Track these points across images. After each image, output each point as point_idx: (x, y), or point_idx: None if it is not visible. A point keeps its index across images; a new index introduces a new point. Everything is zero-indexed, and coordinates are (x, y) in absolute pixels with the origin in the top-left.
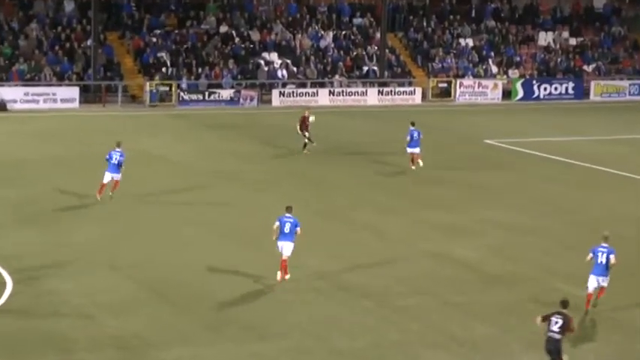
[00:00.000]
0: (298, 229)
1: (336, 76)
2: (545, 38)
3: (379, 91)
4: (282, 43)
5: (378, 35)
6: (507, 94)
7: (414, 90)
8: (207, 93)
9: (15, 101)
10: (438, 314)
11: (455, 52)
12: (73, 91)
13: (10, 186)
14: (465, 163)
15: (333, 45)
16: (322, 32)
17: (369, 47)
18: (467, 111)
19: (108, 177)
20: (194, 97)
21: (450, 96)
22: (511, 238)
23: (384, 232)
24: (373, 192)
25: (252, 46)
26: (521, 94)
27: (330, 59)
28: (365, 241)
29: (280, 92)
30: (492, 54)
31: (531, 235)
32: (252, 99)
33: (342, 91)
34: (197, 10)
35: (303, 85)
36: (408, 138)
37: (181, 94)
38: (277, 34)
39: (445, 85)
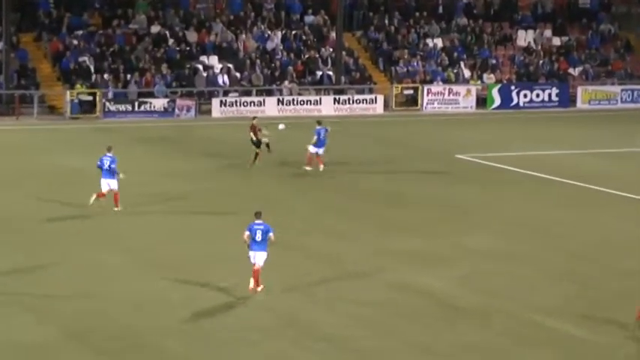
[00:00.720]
0: (271, 234)
1: (286, 83)
2: (524, 38)
3: (335, 99)
4: (223, 44)
5: (334, 35)
6: (482, 101)
7: (375, 98)
8: (137, 103)
9: None
10: (400, 357)
11: (422, 54)
12: None
13: None
14: (433, 182)
15: (281, 47)
16: (269, 32)
17: (323, 49)
18: (436, 121)
19: (105, 185)
20: (122, 107)
21: (416, 105)
22: (484, 266)
23: (340, 260)
24: (328, 214)
25: (188, 48)
26: (497, 101)
27: (278, 63)
28: (319, 271)
29: (221, 101)
30: (465, 56)
31: (507, 262)
32: (188, 109)
33: (293, 100)
34: (125, 8)
35: (248, 93)
36: (315, 138)
37: (107, 104)
38: (217, 35)
39: (411, 92)
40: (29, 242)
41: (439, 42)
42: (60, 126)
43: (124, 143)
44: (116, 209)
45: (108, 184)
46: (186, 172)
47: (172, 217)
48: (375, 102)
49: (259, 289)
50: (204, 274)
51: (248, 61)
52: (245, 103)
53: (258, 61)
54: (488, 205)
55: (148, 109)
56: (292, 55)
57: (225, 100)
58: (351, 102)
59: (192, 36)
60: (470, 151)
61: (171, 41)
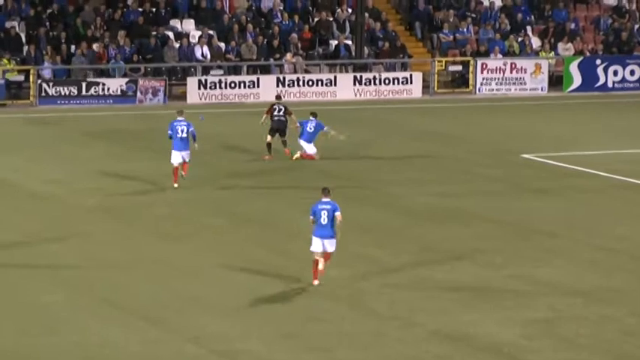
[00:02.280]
0: (338, 214)
1: (288, 56)
2: None
3: (356, 78)
4: (202, 3)
5: None
6: (557, 81)
7: (411, 77)
8: (84, 85)
9: None
10: None
11: (474, 16)
12: None
13: None
14: (491, 191)
15: (281, 6)
16: None
17: (338, 10)
18: (494, 109)
19: (177, 157)
20: (64, 90)
21: (466, 85)
22: (567, 308)
23: (364, 300)
24: (355, 234)
25: (154, 9)
26: (578, 81)
27: (277, 29)
28: (337, 316)
29: (200, 82)
30: (532, 19)
31: (599, 302)
32: (155, 93)
33: (298, 79)
34: None
35: (237, 71)
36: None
37: (44, 85)
38: None
39: (459, 68)
40: None
41: None
42: None
43: (65, 139)
44: (183, 174)
45: (182, 157)
46: (151, 177)
47: (126, 241)
48: (411, 82)
49: (316, 282)
50: (166, 321)
51: (236, 27)
52: (232, 84)
53: (249, 27)
54: (569, 223)
55: (100, 92)
56: (296, 19)
57: (206, 81)
58: (377, 82)
59: None
60: (541, 149)
61: (130, 0)
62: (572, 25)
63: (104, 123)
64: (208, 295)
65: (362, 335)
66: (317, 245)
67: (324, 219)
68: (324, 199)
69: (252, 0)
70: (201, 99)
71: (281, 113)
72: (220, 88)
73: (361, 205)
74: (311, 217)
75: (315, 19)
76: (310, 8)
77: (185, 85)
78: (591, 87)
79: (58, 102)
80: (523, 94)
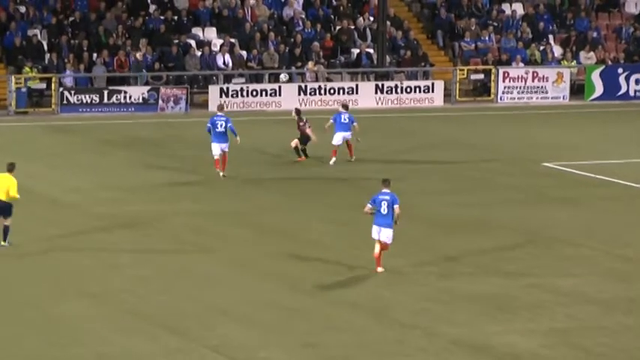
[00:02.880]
0: (397, 206)
1: (310, 64)
2: (636, 2)
3: (377, 87)
4: (224, 12)
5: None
6: (578, 90)
7: (433, 85)
8: (105, 93)
9: None
10: None
11: (496, 24)
12: None
13: None
14: (513, 200)
15: (303, 15)
16: None
17: (360, 18)
18: (515, 117)
19: (217, 149)
20: (85, 98)
21: (488, 94)
22: (588, 318)
23: (386, 309)
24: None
25: (176, 17)
26: (600, 90)
27: (299, 37)
28: (358, 325)
29: (222, 90)
30: (554, 27)
31: (621, 312)
32: (177, 101)
33: (320, 88)
34: None
35: (258, 79)
36: (331, 121)
37: (66, 94)
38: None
39: (481, 76)
40: None
41: (519, 8)
42: (1, 123)
43: (87, 147)
44: (222, 174)
45: (221, 148)
46: (172, 186)
47: (147, 251)
48: (433, 90)
49: (380, 269)
50: (191, 329)
51: (258, 35)
52: (254, 93)
53: (271, 35)
54: (589, 232)
55: (121, 100)
56: (318, 27)
57: (227, 89)
58: (399, 90)
59: (181, 0)
60: (562, 158)
61: (152, 7)
62: (594, 34)
63: (125, 131)
64: (229, 304)
65: (383, 344)
66: (375, 233)
67: (383, 209)
68: (385, 190)
69: (274, 8)
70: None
71: (302, 124)
72: (242, 96)
73: None
74: (369, 206)
75: (337, 28)
76: (332, 17)
77: (207, 93)
78: (613, 96)
79: (80, 110)
80: (545, 102)
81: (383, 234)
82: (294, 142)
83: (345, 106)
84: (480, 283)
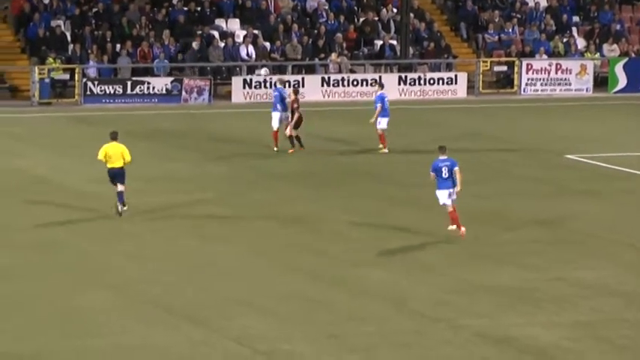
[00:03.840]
0: (457, 169)
1: (333, 56)
2: None
3: (401, 78)
4: (247, 3)
5: None
6: (602, 82)
7: (456, 77)
8: (129, 83)
9: None
10: None
11: (519, 16)
12: None
13: None
14: (535, 192)
15: (327, 6)
16: None
17: (383, 10)
18: (538, 109)
19: (276, 121)
20: (109, 89)
21: (511, 86)
22: (610, 311)
23: (407, 300)
24: (395, 238)
25: (199, 9)
26: (623, 82)
27: (322, 29)
28: (380, 316)
29: (245, 81)
30: (578, 20)
31: None
32: (200, 92)
33: (343, 79)
34: None
35: (282, 70)
36: (379, 106)
37: (89, 84)
38: None
39: (504, 68)
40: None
41: (542, 0)
42: (25, 114)
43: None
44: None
45: (281, 118)
46: (195, 177)
47: (169, 241)
48: (456, 82)
49: (463, 229)
50: (213, 320)
51: (281, 27)
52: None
53: (294, 27)
54: (613, 225)
55: (144, 91)
56: (342, 19)
57: (251, 80)
58: (422, 82)
59: None
60: (585, 150)
61: None
62: (618, 26)
63: (149, 122)
64: (251, 295)
65: (405, 336)
66: (444, 197)
67: (445, 173)
68: (442, 157)
69: (298, 0)
70: (246, 98)
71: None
72: (265, 87)
73: (404, 206)
74: (432, 174)
75: (361, 19)
76: (355, 8)
77: (230, 84)
78: (636, 88)
79: (103, 101)
80: (568, 94)
81: (452, 195)
82: (290, 130)
83: (382, 85)
84: (502, 275)
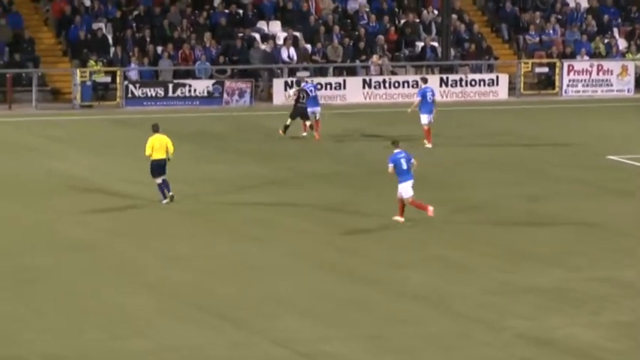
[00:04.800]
0: (414, 160)
1: (374, 58)
2: None
3: (442, 80)
4: (288, 5)
5: None
6: None
7: (497, 78)
8: (170, 86)
9: None
10: None
11: (560, 17)
12: None
13: None
14: (577, 193)
15: (368, 8)
16: None
17: (424, 11)
18: (580, 110)
19: (310, 115)
20: (150, 92)
21: (552, 87)
22: None
23: (448, 301)
24: (434, 238)
25: (240, 11)
26: None
27: (363, 31)
28: (420, 318)
29: (287, 83)
30: (619, 20)
31: None
32: (241, 94)
33: (384, 81)
34: None
35: (323, 73)
36: (418, 99)
37: (130, 87)
38: None
39: (545, 69)
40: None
41: (583, 0)
42: (66, 117)
43: None
44: (311, 134)
45: (314, 113)
46: (235, 179)
47: (210, 243)
48: (497, 83)
49: (430, 208)
50: (254, 322)
51: (322, 29)
52: (319, 86)
53: (335, 28)
54: None
55: (186, 94)
56: (383, 20)
57: (292, 82)
58: (463, 84)
59: None
60: (627, 151)
61: (217, 1)
62: None
63: (190, 124)
64: (292, 297)
65: (447, 337)
66: (408, 188)
67: (404, 165)
68: (397, 150)
69: (339, 2)
70: (287, 101)
71: (303, 100)
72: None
73: (444, 207)
74: (390, 166)
75: (402, 21)
76: (396, 10)
77: (271, 86)
78: None
79: (145, 103)
80: (609, 95)
81: (408, 188)
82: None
83: (425, 79)
84: (543, 276)
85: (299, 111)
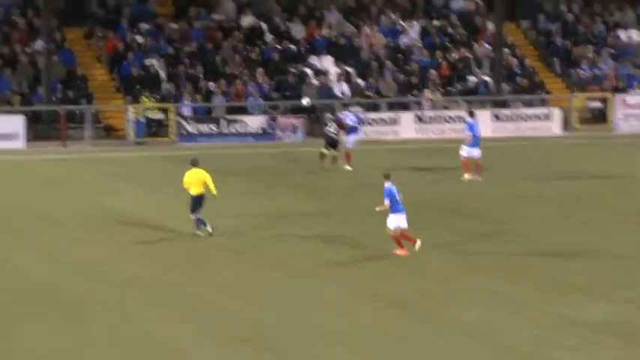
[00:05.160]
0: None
1: (427, 93)
2: None
3: (495, 115)
4: (340, 41)
5: (491, 27)
6: None
7: (550, 112)
8: (224, 122)
9: None
10: None
11: (612, 51)
12: (16, 122)
13: None
14: (626, 225)
15: (420, 43)
16: (402, 23)
17: (476, 46)
18: (632, 144)
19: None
20: (204, 128)
21: (606, 121)
22: None
23: (494, 333)
24: (484, 272)
25: (293, 47)
26: None
27: (416, 66)
28: (468, 351)
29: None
30: None
31: None
32: (294, 130)
33: (437, 116)
34: None
35: (375, 108)
36: (468, 134)
37: (184, 123)
38: (332, 28)
39: (598, 104)
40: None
41: (635, 34)
42: (120, 153)
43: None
44: (346, 167)
45: (349, 144)
46: (284, 214)
47: (258, 276)
48: (550, 118)
49: (418, 243)
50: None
51: (374, 64)
52: (371, 121)
53: (388, 63)
54: None
55: (239, 130)
56: (435, 55)
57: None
58: (516, 118)
59: (297, 30)
60: None
61: (269, 37)
62: None
63: (243, 160)
64: (335, 327)
65: None
66: (402, 220)
67: (398, 197)
68: (389, 182)
69: (390, 37)
70: (338, 135)
71: (332, 129)
72: (359, 124)
73: (493, 240)
74: (388, 200)
75: (454, 56)
76: (448, 45)
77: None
78: None
79: (198, 139)
80: None
81: (403, 220)
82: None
83: (472, 113)
84: (592, 308)
85: (328, 139)
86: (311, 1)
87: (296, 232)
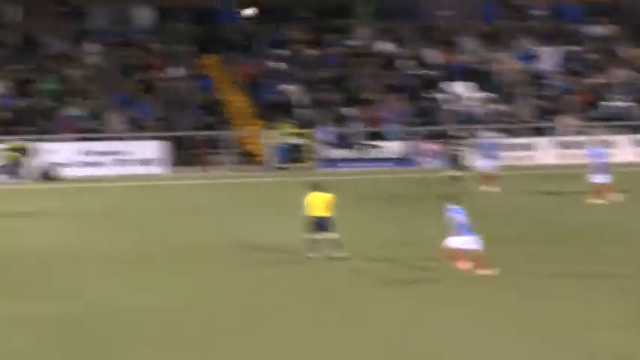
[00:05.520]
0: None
1: (564, 118)
2: None
3: (636, 140)
4: (477, 66)
5: (629, 52)
6: None
7: None
8: (365, 148)
9: (67, 165)
10: None
11: None
12: (156, 148)
13: (30, 298)
14: None
15: (557, 68)
16: (538, 48)
17: (614, 70)
18: None
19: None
20: (345, 154)
21: None
22: None
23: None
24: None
25: (430, 72)
26: None
27: (553, 90)
28: None
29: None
30: None
31: None
32: (434, 155)
33: (575, 142)
34: (342, 18)
35: (511, 133)
36: (591, 161)
37: (322, 149)
38: (468, 54)
39: None
40: None
41: None
42: (261, 179)
43: (346, 202)
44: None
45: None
46: (423, 241)
47: (388, 302)
48: None
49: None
50: None
51: (511, 89)
52: (508, 147)
53: (525, 89)
54: None
55: (379, 155)
56: (572, 80)
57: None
58: None
59: (433, 55)
60: None
61: (404, 63)
62: None
63: (382, 186)
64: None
65: None
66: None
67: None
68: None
69: (526, 62)
70: (476, 162)
71: (462, 152)
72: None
73: (623, 266)
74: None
75: (591, 81)
76: (585, 70)
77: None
78: None
79: (338, 165)
80: None
81: (474, 242)
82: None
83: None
84: None
85: (456, 162)
86: (446, 27)
87: (428, 256)
